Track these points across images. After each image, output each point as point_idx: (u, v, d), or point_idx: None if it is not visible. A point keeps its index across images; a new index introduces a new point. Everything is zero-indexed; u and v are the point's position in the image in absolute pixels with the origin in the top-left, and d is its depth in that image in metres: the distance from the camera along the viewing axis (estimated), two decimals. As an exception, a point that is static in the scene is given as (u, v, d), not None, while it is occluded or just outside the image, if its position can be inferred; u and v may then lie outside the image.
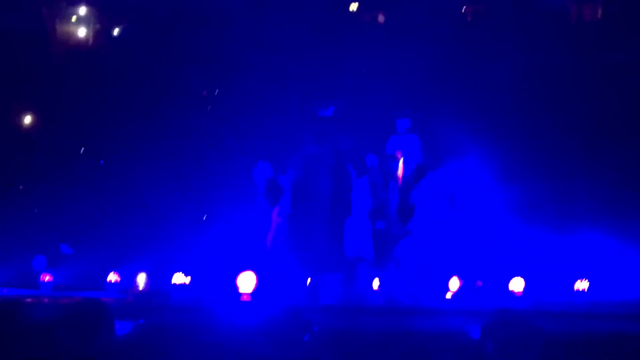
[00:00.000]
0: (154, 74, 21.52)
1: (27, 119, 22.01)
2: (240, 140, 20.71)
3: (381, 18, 22.15)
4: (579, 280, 18.15)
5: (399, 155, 19.28)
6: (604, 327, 12.72)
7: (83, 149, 21.88)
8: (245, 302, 16.34)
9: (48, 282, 18.81)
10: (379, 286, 17.66)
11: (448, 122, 19.63)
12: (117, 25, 23.03)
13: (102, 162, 21.76)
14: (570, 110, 20.52)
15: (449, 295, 17.23)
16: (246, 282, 17.39)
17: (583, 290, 18.01)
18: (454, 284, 17.31)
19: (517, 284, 18.00)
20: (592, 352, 10.40)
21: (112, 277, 18.86)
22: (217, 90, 22.08)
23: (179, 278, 18.79)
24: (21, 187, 21.24)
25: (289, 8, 21.57)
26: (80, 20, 23.12)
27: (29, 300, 15.00)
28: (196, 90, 22.00)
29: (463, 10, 22.13)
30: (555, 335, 10.33)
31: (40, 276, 19.00)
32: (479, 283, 17.64)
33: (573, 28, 21.38)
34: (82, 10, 23.03)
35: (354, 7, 22.22)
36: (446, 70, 20.90)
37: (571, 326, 12.93)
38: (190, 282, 18.83)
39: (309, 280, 17.36)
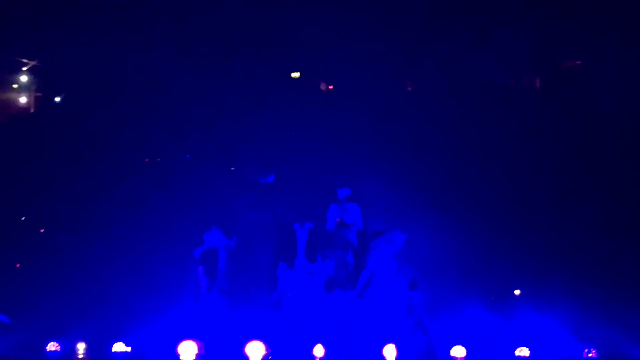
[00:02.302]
0: (95, 142, 21.54)
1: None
2: (181, 206, 20.66)
3: (323, 86, 22.38)
4: (519, 348, 18.34)
5: (339, 222, 19.40)
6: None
7: (23, 217, 21.68)
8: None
9: (-15, 352, 18.54)
10: (324, 353, 17.59)
11: (387, 188, 19.81)
12: (58, 92, 23.00)
13: (41, 230, 21.58)
14: (503, 178, 20.91)
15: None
16: (188, 350, 17.32)
17: (524, 357, 18.18)
18: (391, 351, 17.32)
19: (458, 351, 18.16)
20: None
21: (51, 346, 18.66)
22: (158, 159, 22.05)
23: (119, 347, 18.62)
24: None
25: (231, 74, 21.71)
26: (21, 88, 23.13)
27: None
28: (138, 156, 21.95)
29: (402, 81, 22.45)
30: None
31: (-23, 347, 18.72)
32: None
33: (505, 97, 21.84)
34: (23, 78, 23.02)
35: (296, 75, 22.43)
36: (385, 138, 21.11)
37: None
38: (131, 351, 18.68)
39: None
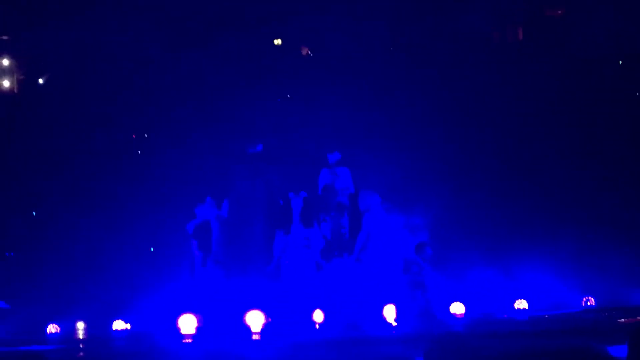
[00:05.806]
0: (84, 122, 21.39)
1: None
2: (172, 183, 20.59)
3: (305, 51, 22.24)
4: (517, 301, 18.42)
5: (331, 187, 19.39)
6: (543, 343, 12.86)
7: (14, 202, 21.59)
8: (187, 344, 16.29)
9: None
10: (323, 319, 17.62)
11: (377, 153, 19.80)
12: (41, 74, 22.83)
13: (34, 213, 21.50)
14: (496, 132, 20.84)
15: (392, 323, 17.23)
16: (188, 324, 17.38)
17: (523, 309, 18.26)
18: (391, 312, 17.35)
19: (457, 308, 18.21)
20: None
21: (51, 328, 18.72)
22: (146, 134, 21.96)
23: (119, 325, 18.67)
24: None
25: (214, 47, 21.58)
26: (3, 71, 22.96)
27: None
28: (126, 134, 21.85)
29: (387, 42, 22.32)
30: (496, 353, 10.39)
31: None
32: None
33: (495, 53, 21.72)
34: (5, 61, 22.87)
35: (278, 42, 22.31)
36: (373, 103, 21.04)
37: (511, 344, 13.05)
38: (131, 328, 18.71)
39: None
